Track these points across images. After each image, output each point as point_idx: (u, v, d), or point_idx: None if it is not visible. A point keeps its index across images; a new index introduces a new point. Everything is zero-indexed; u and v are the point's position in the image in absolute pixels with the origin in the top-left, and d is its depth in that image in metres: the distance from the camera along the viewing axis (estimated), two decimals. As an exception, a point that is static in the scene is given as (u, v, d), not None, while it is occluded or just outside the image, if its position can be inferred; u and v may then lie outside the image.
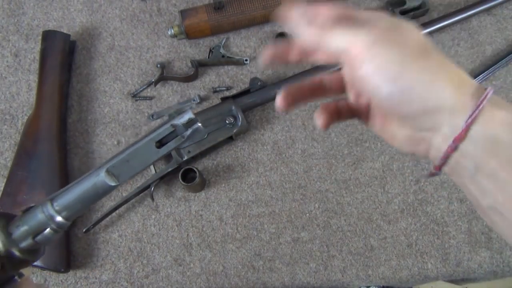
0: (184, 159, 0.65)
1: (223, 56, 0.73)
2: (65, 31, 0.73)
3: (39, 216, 0.29)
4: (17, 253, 0.28)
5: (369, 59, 0.29)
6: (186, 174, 0.65)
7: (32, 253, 0.30)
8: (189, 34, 0.72)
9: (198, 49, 0.75)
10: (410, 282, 0.65)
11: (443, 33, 0.75)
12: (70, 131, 0.71)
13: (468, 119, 0.28)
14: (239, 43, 0.75)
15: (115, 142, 0.70)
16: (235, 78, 0.73)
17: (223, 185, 0.68)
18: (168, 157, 0.68)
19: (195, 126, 0.32)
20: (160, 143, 0.31)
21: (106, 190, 0.30)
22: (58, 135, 0.67)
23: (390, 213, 0.66)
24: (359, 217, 0.66)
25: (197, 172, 0.63)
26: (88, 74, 0.73)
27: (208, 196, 0.68)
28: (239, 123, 0.67)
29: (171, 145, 0.32)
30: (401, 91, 0.29)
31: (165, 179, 0.67)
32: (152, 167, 0.65)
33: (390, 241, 0.65)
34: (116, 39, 0.75)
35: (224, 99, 0.69)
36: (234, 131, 0.67)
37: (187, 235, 0.66)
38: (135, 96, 0.72)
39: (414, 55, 0.29)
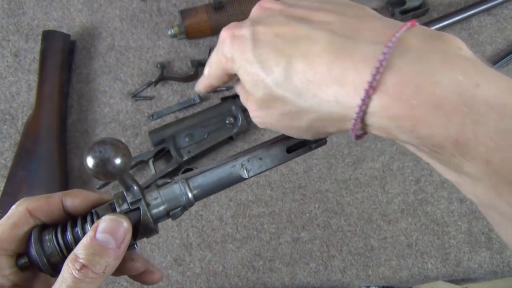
0: (184, 159, 0.65)
1: (223, 56, 0.73)
2: (65, 31, 0.73)
3: (176, 191, 0.33)
4: (151, 222, 0.32)
5: None
6: (186, 174, 0.65)
7: (157, 225, 0.33)
8: (189, 34, 0.72)
9: (198, 49, 0.75)
10: (410, 282, 0.65)
11: (443, 33, 0.75)
12: (70, 131, 0.71)
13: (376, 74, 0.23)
14: (239, 43, 0.75)
15: (115, 142, 0.70)
16: (235, 78, 0.73)
17: (223, 185, 0.68)
18: (168, 157, 0.68)
19: (321, 142, 0.35)
20: (289, 149, 0.35)
21: (236, 181, 0.35)
22: (58, 135, 0.67)
23: (390, 213, 0.66)
24: (359, 217, 0.66)
25: (197, 172, 0.63)
26: (88, 74, 0.73)
27: (208, 196, 0.67)
28: (239, 123, 0.67)
29: (299, 152, 0.35)
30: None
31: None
32: (152, 167, 0.65)
33: (390, 241, 0.65)
34: (116, 39, 0.75)
35: (224, 99, 0.69)
36: (234, 131, 0.67)
37: (187, 235, 0.66)
38: (135, 96, 0.72)
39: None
